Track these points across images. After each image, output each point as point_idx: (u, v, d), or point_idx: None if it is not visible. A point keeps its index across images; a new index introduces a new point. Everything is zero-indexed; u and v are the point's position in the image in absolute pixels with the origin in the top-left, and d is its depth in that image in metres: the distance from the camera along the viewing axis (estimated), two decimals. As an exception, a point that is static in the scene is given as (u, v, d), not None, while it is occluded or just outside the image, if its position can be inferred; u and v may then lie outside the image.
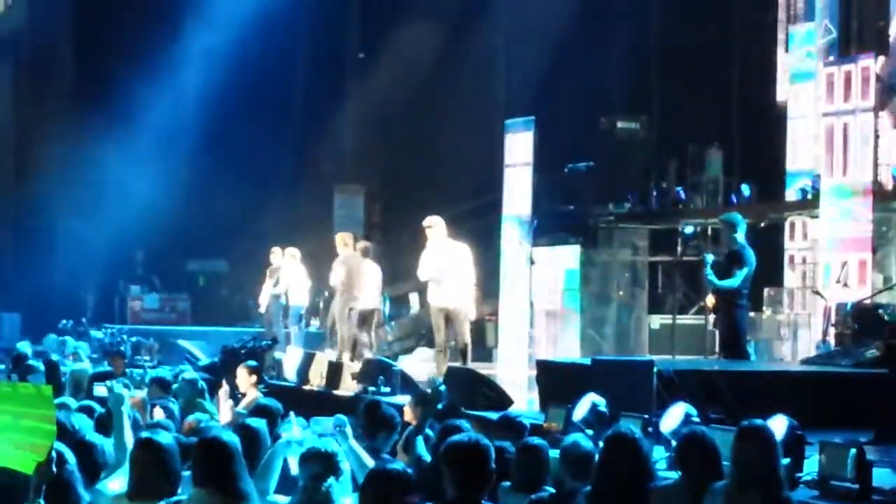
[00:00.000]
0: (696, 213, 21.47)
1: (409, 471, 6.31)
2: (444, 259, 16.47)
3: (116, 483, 7.08)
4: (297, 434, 7.38)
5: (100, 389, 9.89)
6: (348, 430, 7.27)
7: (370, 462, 7.28)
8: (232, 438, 6.64)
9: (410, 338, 23.57)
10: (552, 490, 7.52)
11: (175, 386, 12.55)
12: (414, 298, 23.89)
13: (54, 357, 16.97)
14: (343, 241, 20.32)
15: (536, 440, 8.03)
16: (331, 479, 6.59)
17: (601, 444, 8.34)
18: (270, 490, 7.19)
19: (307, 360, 16.92)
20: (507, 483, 7.65)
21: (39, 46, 29.50)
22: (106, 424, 8.88)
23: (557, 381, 12.67)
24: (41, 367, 14.91)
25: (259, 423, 8.23)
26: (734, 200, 20.14)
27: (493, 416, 10.88)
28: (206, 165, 26.86)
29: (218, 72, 26.22)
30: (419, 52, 25.74)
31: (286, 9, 27.28)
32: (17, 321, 27.01)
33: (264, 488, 7.07)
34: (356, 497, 6.74)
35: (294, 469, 7.25)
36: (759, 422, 7.10)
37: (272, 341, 18.66)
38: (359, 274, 19.71)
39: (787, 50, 21.06)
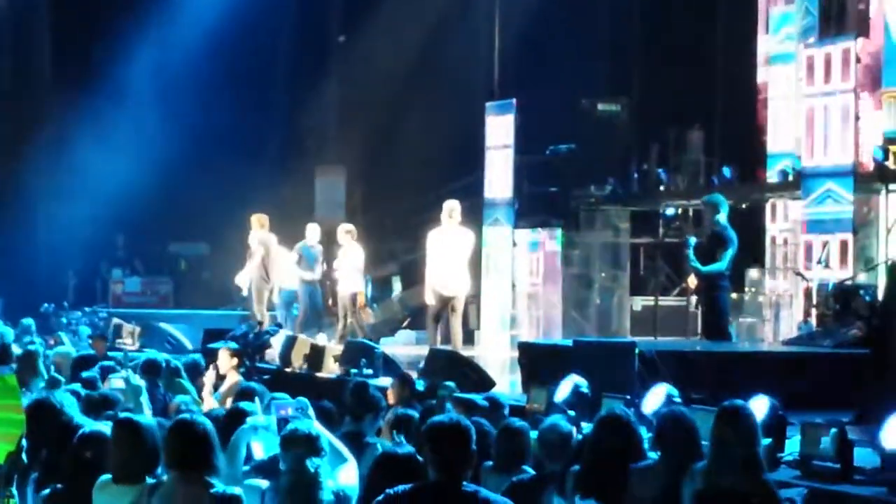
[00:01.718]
0: (677, 194, 21.50)
1: (418, 455, 6.28)
2: (444, 245, 16.48)
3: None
4: (262, 419, 7.34)
5: (116, 382, 9.79)
6: (311, 412, 7.23)
7: (337, 443, 7.21)
8: (203, 420, 6.59)
9: (392, 321, 23.55)
10: (532, 472, 7.53)
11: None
12: (396, 281, 23.87)
13: (37, 340, 16.86)
14: (259, 223, 20.16)
15: (517, 422, 8.03)
16: (316, 460, 6.54)
17: (583, 424, 8.35)
18: (238, 474, 7.13)
19: (289, 343, 16.90)
20: (489, 463, 7.65)
21: (17, 28, 29.34)
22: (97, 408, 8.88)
23: (539, 363, 12.67)
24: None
25: (251, 407, 8.20)
26: (715, 182, 20.16)
27: (477, 397, 10.88)
28: (187, 148, 26.73)
29: (199, 54, 26.11)
30: (400, 34, 25.66)
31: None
32: (-2, 305, 26.89)
33: (232, 473, 6.96)
34: (336, 477, 6.72)
35: (258, 454, 7.19)
36: (739, 402, 7.10)
37: (277, 326, 18.55)
38: (276, 255, 19.76)
39: (767, 31, 21.07)
